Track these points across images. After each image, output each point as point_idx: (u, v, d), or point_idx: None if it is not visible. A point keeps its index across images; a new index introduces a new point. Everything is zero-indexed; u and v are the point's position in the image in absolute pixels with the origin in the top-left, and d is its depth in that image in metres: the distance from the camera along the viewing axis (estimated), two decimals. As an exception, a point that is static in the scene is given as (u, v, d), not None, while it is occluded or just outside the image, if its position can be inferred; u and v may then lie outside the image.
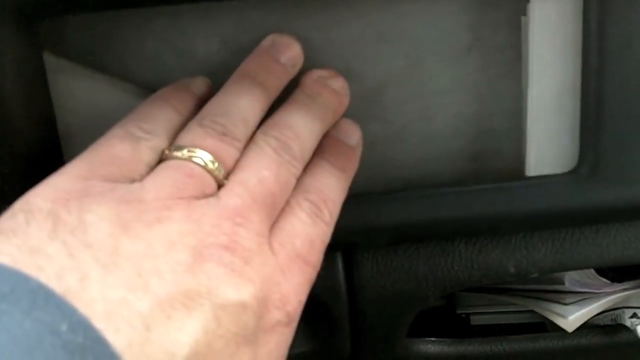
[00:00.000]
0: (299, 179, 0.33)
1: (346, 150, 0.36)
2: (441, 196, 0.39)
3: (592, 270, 0.54)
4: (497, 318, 0.63)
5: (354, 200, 0.39)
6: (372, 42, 0.39)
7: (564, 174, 0.39)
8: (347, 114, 0.40)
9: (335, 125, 0.37)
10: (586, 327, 0.56)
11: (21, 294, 0.19)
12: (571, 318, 0.54)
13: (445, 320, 0.64)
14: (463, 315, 0.64)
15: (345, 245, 0.42)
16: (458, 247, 0.44)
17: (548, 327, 0.60)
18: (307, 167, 0.34)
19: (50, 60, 0.36)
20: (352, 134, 0.37)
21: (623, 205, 0.38)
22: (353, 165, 0.36)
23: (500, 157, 0.41)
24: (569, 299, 0.55)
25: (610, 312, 0.59)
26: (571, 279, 0.55)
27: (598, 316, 0.58)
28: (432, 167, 0.41)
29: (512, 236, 0.44)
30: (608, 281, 0.56)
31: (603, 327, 0.57)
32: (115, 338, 0.20)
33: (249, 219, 0.27)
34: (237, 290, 0.25)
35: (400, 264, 0.44)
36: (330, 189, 0.33)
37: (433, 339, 0.53)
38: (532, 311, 0.58)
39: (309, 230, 0.31)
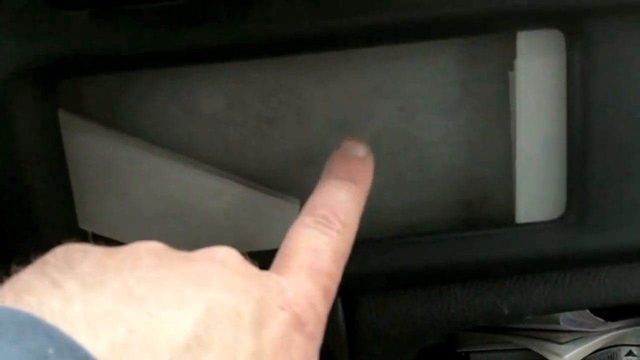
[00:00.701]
0: (309, 200, 0.33)
1: (354, 162, 0.35)
2: (435, 242, 0.41)
3: (587, 310, 0.56)
4: (496, 357, 0.64)
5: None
6: (368, 95, 0.41)
7: (552, 221, 0.40)
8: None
9: (339, 145, 0.37)
10: (582, 365, 0.57)
11: (9, 326, 0.20)
12: (567, 357, 0.55)
13: (446, 358, 0.65)
14: (463, 354, 0.65)
15: (344, 289, 0.43)
16: (454, 290, 0.45)
17: (546, 367, 0.61)
18: (316, 188, 0.34)
19: (64, 117, 0.38)
20: (358, 147, 0.36)
21: (609, 250, 0.40)
22: (364, 175, 0.35)
23: (491, 204, 0.43)
24: (565, 338, 0.56)
25: (606, 350, 0.60)
26: (566, 319, 0.56)
27: (594, 354, 0.59)
28: (426, 214, 0.43)
29: (505, 279, 0.45)
30: (603, 320, 0.57)
31: (599, 366, 0.58)
32: (95, 346, 0.20)
33: None
34: (229, 289, 0.25)
35: (398, 306, 0.45)
36: (339, 200, 0.32)
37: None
38: (530, 350, 0.59)
39: (312, 242, 0.30)
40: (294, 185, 0.42)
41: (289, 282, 0.28)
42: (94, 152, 0.38)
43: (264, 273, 0.27)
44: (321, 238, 0.30)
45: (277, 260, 0.30)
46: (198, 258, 0.26)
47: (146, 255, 0.25)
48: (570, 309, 0.46)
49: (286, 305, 0.26)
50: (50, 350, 0.19)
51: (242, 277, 0.26)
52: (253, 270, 0.27)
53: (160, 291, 0.23)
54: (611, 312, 0.59)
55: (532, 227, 0.41)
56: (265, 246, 0.41)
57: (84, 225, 0.40)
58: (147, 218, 0.40)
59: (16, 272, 0.26)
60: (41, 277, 0.23)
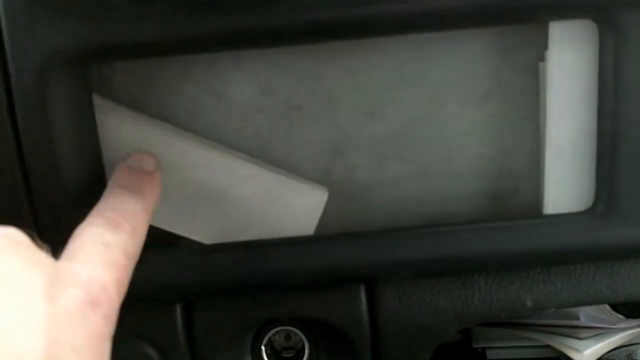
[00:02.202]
0: (96, 207, 0.33)
1: (142, 176, 0.36)
2: (461, 233, 0.41)
3: (607, 306, 0.56)
4: (512, 353, 0.64)
5: (377, 235, 0.41)
6: (396, 85, 0.41)
7: (580, 213, 0.40)
8: (372, 154, 0.42)
9: (129, 156, 0.37)
10: (601, 362, 0.57)
11: None
12: (586, 352, 0.55)
13: (462, 354, 0.65)
14: (479, 350, 0.65)
15: (368, 278, 0.44)
16: (478, 281, 0.45)
17: (562, 363, 0.61)
18: (102, 197, 0.34)
19: (98, 101, 0.38)
20: (148, 161, 0.37)
21: (636, 243, 0.40)
22: (151, 189, 0.36)
23: (518, 196, 0.43)
24: (584, 333, 0.56)
25: (625, 348, 0.60)
26: (586, 314, 0.56)
27: (613, 352, 0.59)
28: (453, 205, 0.43)
29: (529, 271, 0.45)
30: (623, 317, 0.57)
31: (617, 363, 0.58)
32: None
33: None
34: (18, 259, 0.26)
35: (421, 297, 0.45)
36: (128, 207, 0.33)
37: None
38: (546, 346, 0.59)
39: (103, 238, 0.31)
40: (321, 173, 0.42)
41: (82, 267, 0.29)
42: (127, 137, 0.39)
43: (51, 258, 0.28)
44: (112, 236, 0.31)
45: (66, 253, 0.30)
46: None
47: None
48: (593, 303, 0.46)
49: (79, 284, 0.27)
50: None
51: (31, 252, 0.27)
52: (41, 253, 0.28)
53: None
54: (631, 309, 0.59)
55: (559, 218, 0.41)
56: (292, 233, 0.41)
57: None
58: (177, 202, 0.40)
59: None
60: None
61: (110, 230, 0.31)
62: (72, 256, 0.30)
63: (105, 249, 0.30)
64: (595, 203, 0.40)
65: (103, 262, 0.30)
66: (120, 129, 0.39)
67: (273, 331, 0.49)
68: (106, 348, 0.28)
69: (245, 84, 0.40)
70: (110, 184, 0.35)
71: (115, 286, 0.29)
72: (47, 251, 0.28)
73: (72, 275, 0.28)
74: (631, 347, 0.60)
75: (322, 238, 0.41)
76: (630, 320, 0.57)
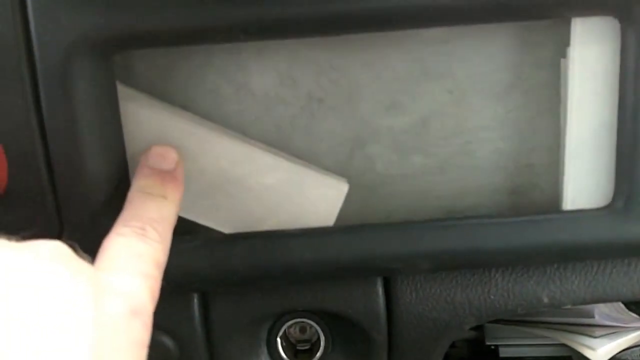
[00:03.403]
0: (121, 214, 0.34)
1: (164, 176, 0.37)
2: (480, 227, 0.41)
3: (622, 305, 0.55)
4: (525, 350, 0.64)
5: (396, 227, 0.41)
6: (417, 78, 0.41)
7: (599, 209, 0.40)
8: (392, 146, 0.42)
9: (146, 153, 0.38)
10: (614, 361, 0.57)
11: None
12: (600, 350, 0.55)
13: (475, 352, 0.65)
14: (492, 347, 0.65)
15: (386, 270, 0.44)
16: (495, 276, 0.45)
17: (575, 362, 0.61)
18: (126, 202, 0.35)
19: (121, 89, 0.38)
20: (166, 159, 0.38)
21: None
22: (174, 188, 0.36)
23: (537, 191, 0.43)
24: (599, 332, 0.56)
25: (639, 348, 0.60)
26: (601, 313, 0.56)
27: (626, 351, 0.58)
28: (472, 199, 0.43)
29: (546, 268, 0.45)
30: (637, 316, 0.57)
31: (631, 362, 0.58)
32: None
33: None
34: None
35: (438, 291, 0.46)
36: (152, 215, 0.34)
37: (465, 368, 0.54)
38: (558, 345, 0.59)
39: (134, 248, 0.32)
40: (342, 165, 0.42)
41: (121, 280, 0.30)
42: (149, 125, 0.39)
43: (93, 268, 0.29)
44: (142, 247, 0.32)
45: (100, 263, 0.31)
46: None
47: None
48: (609, 300, 0.46)
49: (121, 295, 0.29)
50: None
51: (76, 261, 0.28)
52: (84, 263, 0.28)
53: None
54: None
55: (578, 214, 0.41)
56: (311, 224, 0.41)
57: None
58: (197, 191, 0.40)
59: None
60: None
61: (141, 240, 0.33)
62: (109, 268, 0.31)
63: (138, 260, 0.31)
64: (614, 199, 0.40)
65: (138, 274, 0.31)
66: (142, 117, 0.39)
67: (289, 323, 0.49)
68: (144, 353, 0.29)
69: (267, 74, 0.41)
70: (133, 188, 0.36)
71: (150, 296, 0.31)
72: (89, 261, 0.29)
73: (113, 286, 0.29)
74: (645, 347, 0.60)
75: (341, 229, 0.41)
76: (645, 319, 0.57)
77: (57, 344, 0.24)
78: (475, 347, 0.65)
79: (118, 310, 0.28)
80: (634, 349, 0.60)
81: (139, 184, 0.36)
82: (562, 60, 0.40)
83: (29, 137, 0.36)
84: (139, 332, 0.29)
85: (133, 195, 0.35)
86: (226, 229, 0.41)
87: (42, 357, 0.24)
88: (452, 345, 0.66)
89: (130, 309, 0.29)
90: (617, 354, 0.57)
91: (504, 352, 0.65)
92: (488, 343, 0.65)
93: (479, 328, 0.64)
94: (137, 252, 0.32)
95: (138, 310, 0.29)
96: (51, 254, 0.27)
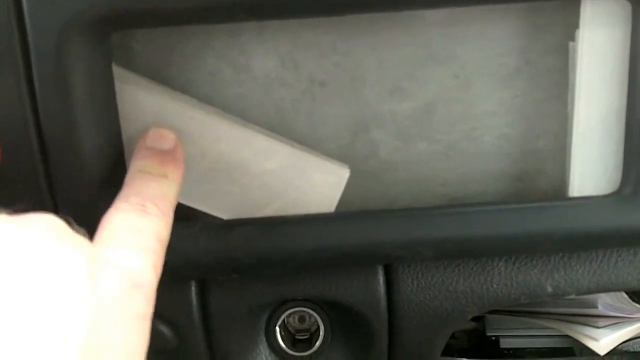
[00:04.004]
0: (121, 192, 0.34)
1: (163, 156, 0.36)
2: (484, 214, 0.40)
3: (626, 296, 0.55)
4: (526, 341, 0.63)
5: (399, 214, 0.40)
6: (423, 62, 0.40)
7: (606, 196, 0.40)
8: (395, 132, 0.41)
9: (144, 135, 0.37)
10: (616, 353, 0.56)
11: None
12: (603, 341, 0.54)
13: (475, 342, 0.65)
14: (493, 338, 0.64)
15: (388, 258, 0.43)
16: (498, 265, 0.44)
17: (576, 353, 0.61)
18: (125, 180, 0.34)
19: (118, 71, 0.37)
20: (165, 139, 0.37)
21: None
22: (174, 168, 0.36)
23: (543, 177, 0.42)
24: (602, 322, 0.55)
25: (641, 339, 0.59)
26: (605, 303, 0.56)
27: (628, 342, 0.58)
28: (477, 185, 0.42)
29: (550, 257, 0.44)
30: (641, 307, 0.57)
31: (633, 354, 0.57)
32: None
33: None
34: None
35: (440, 279, 0.45)
36: (153, 192, 0.33)
37: (465, 359, 0.54)
38: (560, 335, 0.59)
39: (135, 223, 0.31)
40: (344, 150, 0.41)
41: (119, 254, 0.29)
42: (146, 108, 0.38)
43: (89, 242, 0.29)
44: (143, 221, 0.32)
45: (99, 238, 0.30)
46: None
47: None
48: (614, 290, 0.46)
49: (120, 268, 0.28)
50: None
51: (71, 235, 0.27)
52: (80, 237, 0.28)
53: None
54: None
55: (585, 201, 0.40)
56: (312, 209, 0.41)
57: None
58: (196, 175, 0.39)
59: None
60: None
61: (141, 216, 0.32)
62: (107, 243, 0.30)
63: (138, 234, 0.31)
64: (621, 186, 0.39)
65: (138, 248, 0.30)
66: (139, 100, 0.38)
67: (288, 312, 0.48)
68: (147, 326, 0.29)
69: (268, 57, 0.40)
70: (132, 169, 0.35)
71: (152, 270, 0.30)
72: (84, 235, 0.28)
73: (111, 260, 0.29)
74: (647, 338, 0.60)
75: (343, 216, 0.40)
76: (648, 310, 0.57)
77: (54, 319, 0.24)
78: (476, 338, 0.65)
79: (117, 283, 0.28)
80: (637, 339, 0.59)
81: (138, 164, 0.35)
82: (570, 43, 0.39)
83: (22, 118, 0.35)
84: (140, 305, 0.28)
85: (132, 175, 0.35)
86: (225, 215, 0.41)
87: (39, 332, 0.23)
88: (452, 336, 0.66)
89: (132, 282, 0.28)
90: (620, 344, 0.56)
91: (504, 342, 0.64)
92: (489, 334, 0.64)
93: (479, 319, 0.63)
94: (137, 227, 0.31)
95: (139, 283, 0.29)
96: (47, 227, 0.26)
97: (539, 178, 0.42)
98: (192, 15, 0.35)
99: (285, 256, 0.40)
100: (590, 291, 0.46)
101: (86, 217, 0.31)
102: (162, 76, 0.40)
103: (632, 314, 0.56)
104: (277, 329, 0.49)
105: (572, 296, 0.46)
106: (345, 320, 0.48)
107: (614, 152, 0.39)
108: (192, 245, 0.40)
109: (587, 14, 0.37)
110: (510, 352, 0.63)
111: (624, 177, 0.39)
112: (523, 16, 0.39)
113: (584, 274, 0.45)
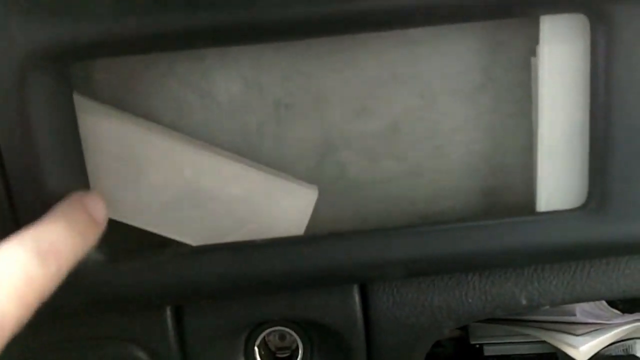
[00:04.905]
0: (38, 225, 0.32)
1: (93, 222, 0.35)
2: (454, 231, 0.40)
3: (604, 302, 0.55)
4: (510, 349, 0.64)
5: (369, 234, 0.40)
6: (387, 82, 0.40)
7: (573, 210, 0.40)
8: (363, 152, 0.41)
9: (88, 194, 0.36)
10: (598, 357, 0.56)
11: None
12: (582, 349, 0.54)
13: (459, 350, 0.65)
14: (477, 346, 0.64)
15: (359, 279, 0.43)
16: (472, 279, 0.44)
17: (560, 358, 0.61)
18: (48, 217, 0.33)
19: (79, 100, 0.37)
20: (101, 206, 0.36)
21: (630, 239, 0.39)
22: (93, 238, 0.35)
23: (512, 192, 0.42)
24: (581, 330, 0.56)
25: (621, 343, 0.60)
26: (582, 310, 0.56)
27: (609, 347, 0.58)
28: (446, 202, 0.43)
29: (524, 269, 0.44)
30: (619, 312, 0.57)
31: (614, 358, 0.57)
32: None
33: None
34: None
35: (415, 295, 0.45)
36: (65, 247, 0.32)
37: (448, 369, 0.54)
38: (544, 342, 0.59)
39: (26, 269, 0.30)
40: (312, 172, 0.41)
41: None
42: (110, 136, 0.38)
43: None
44: (36, 271, 0.30)
45: None
46: None
47: None
48: (588, 300, 0.46)
49: None
50: None
51: None
52: None
53: None
54: (628, 305, 0.58)
55: (552, 215, 0.40)
56: (282, 233, 0.41)
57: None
58: (162, 203, 0.39)
59: None
60: None
61: (39, 265, 0.30)
62: None
63: (24, 283, 0.29)
64: (588, 200, 0.39)
65: (15, 296, 0.29)
66: (103, 129, 0.38)
67: (265, 332, 0.48)
68: None
69: (232, 81, 0.40)
70: (59, 212, 0.34)
71: (12, 323, 0.28)
72: None
73: None
74: (628, 342, 0.60)
75: (312, 238, 0.40)
76: (627, 315, 0.57)
77: None
78: (461, 346, 0.65)
79: None
80: (617, 344, 0.59)
81: (67, 211, 0.34)
82: (532, 59, 0.39)
83: None
84: None
85: (57, 216, 0.33)
86: (194, 242, 0.40)
87: None
88: (438, 345, 0.66)
89: None
90: (600, 350, 0.56)
91: (488, 350, 0.64)
92: (472, 342, 0.64)
93: (464, 327, 0.63)
94: (28, 274, 0.29)
95: None
96: None
97: (507, 193, 0.42)
98: (149, 43, 0.35)
99: (255, 281, 0.40)
100: (565, 302, 0.46)
101: None
102: (125, 104, 0.40)
103: (610, 320, 0.56)
104: (256, 349, 0.49)
105: (547, 307, 0.46)
106: (324, 338, 0.48)
107: (579, 166, 0.39)
108: (162, 273, 0.40)
109: (546, 30, 0.37)
110: (495, 359, 0.64)
111: (590, 191, 0.39)
112: (485, 33, 0.39)
113: (558, 285, 0.45)
